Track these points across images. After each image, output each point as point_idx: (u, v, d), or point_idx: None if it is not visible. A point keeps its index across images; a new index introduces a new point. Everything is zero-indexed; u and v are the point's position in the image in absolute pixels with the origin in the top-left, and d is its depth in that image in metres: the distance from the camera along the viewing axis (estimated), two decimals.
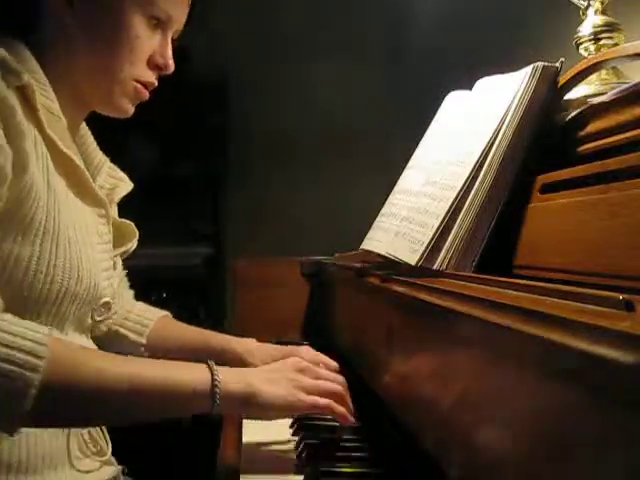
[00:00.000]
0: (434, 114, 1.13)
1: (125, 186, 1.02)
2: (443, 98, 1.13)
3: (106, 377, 0.71)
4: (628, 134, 0.72)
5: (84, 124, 1.01)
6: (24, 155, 0.77)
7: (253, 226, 2.29)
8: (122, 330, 1.08)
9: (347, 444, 0.85)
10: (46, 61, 0.86)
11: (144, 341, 1.08)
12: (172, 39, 0.94)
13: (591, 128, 0.80)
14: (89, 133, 1.03)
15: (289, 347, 1.13)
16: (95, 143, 1.03)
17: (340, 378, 0.90)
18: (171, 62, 0.93)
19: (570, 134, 0.83)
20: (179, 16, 0.93)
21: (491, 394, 0.56)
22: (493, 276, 0.71)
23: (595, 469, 0.40)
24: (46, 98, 0.84)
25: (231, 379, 0.76)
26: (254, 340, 1.10)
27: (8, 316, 0.70)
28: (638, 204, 0.61)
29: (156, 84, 0.93)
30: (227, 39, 2.26)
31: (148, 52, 0.90)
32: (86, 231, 0.87)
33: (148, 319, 1.11)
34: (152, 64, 0.91)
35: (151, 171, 2.33)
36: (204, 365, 0.77)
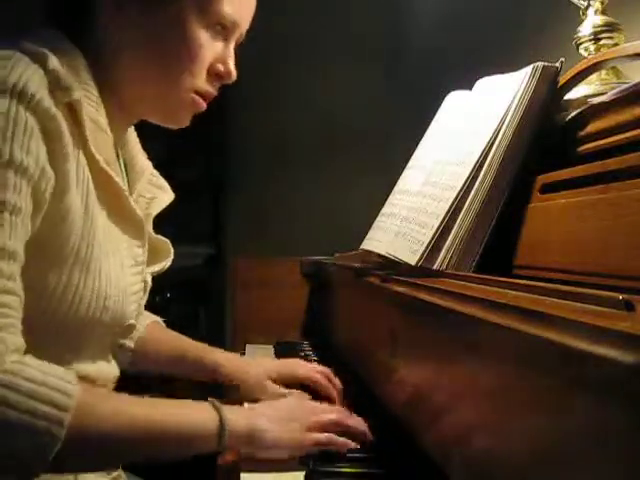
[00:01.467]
0: (434, 114, 1.13)
1: (165, 197, 0.98)
2: (443, 98, 1.13)
3: (124, 427, 0.70)
4: (628, 134, 0.72)
5: (132, 127, 0.96)
6: (66, 179, 0.73)
7: (253, 226, 2.29)
8: None
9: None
10: (97, 70, 0.81)
11: (132, 345, 1.05)
12: (236, 43, 0.89)
13: (591, 128, 0.80)
14: (134, 136, 0.98)
15: (283, 361, 1.13)
16: (139, 146, 0.99)
17: (338, 408, 0.90)
18: (233, 70, 0.87)
19: (570, 134, 0.83)
20: (245, 21, 0.87)
21: (491, 394, 0.56)
22: (493, 276, 0.71)
23: (595, 469, 0.40)
24: (95, 111, 0.79)
25: (237, 419, 0.77)
26: (240, 356, 1.10)
27: (29, 359, 0.67)
28: (638, 204, 0.61)
29: (216, 94, 0.87)
30: None
31: (210, 61, 0.84)
32: (119, 254, 0.83)
33: (140, 324, 1.08)
34: (213, 73, 0.85)
35: None
36: (210, 406, 0.77)
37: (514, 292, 0.59)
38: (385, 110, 2.29)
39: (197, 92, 0.85)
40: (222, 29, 0.84)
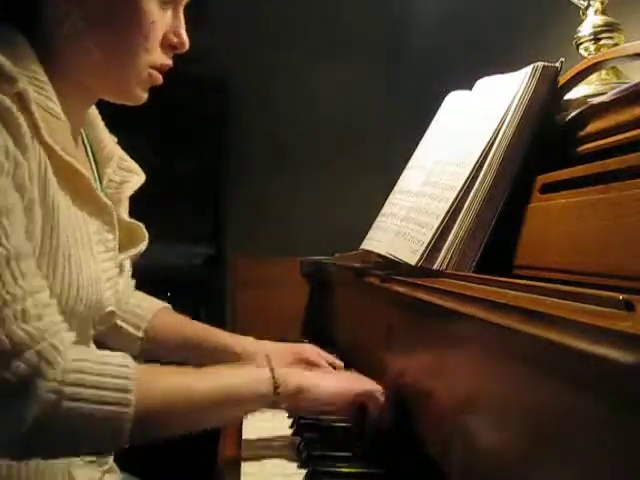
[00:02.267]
0: (434, 114, 1.13)
1: (137, 179, 0.98)
2: (443, 98, 1.13)
3: (191, 396, 0.76)
4: (628, 134, 0.72)
5: (94, 109, 0.95)
6: (30, 167, 0.73)
7: (253, 226, 2.29)
8: (119, 322, 1.05)
9: (347, 444, 0.85)
10: (47, 56, 0.80)
11: (141, 335, 1.06)
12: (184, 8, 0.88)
13: (591, 128, 0.80)
14: (99, 120, 0.97)
15: (294, 344, 1.14)
16: (106, 130, 0.98)
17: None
18: (186, 39, 0.87)
19: (570, 134, 0.83)
20: None
21: (491, 394, 0.56)
22: (493, 276, 0.71)
23: (595, 469, 0.40)
24: (46, 99, 0.78)
25: (288, 378, 0.82)
26: (252, 338, 1.10)
27: (88, 354, 0.73)
28: (638, 204, 0.61)
29: (171, 65, 0.87)
30: (227, 39, 2.26)
31: (162, 34, 0.84)
32: (88, 242, 0.82)
33: (146, 311, 1.09)
34: (166, 44, 0.86)
35: (151, 171, 2.33)
36: (265, 369, 0.83)
37: (514, 292, 0.59)
38: (385, 110, 2.29)
39: (152, 66, 0.85)
40: (169, 2, 0.84)
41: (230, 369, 0.83)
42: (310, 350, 1.11)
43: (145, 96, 0.88)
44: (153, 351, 1.07)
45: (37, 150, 0.75)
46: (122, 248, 0.93)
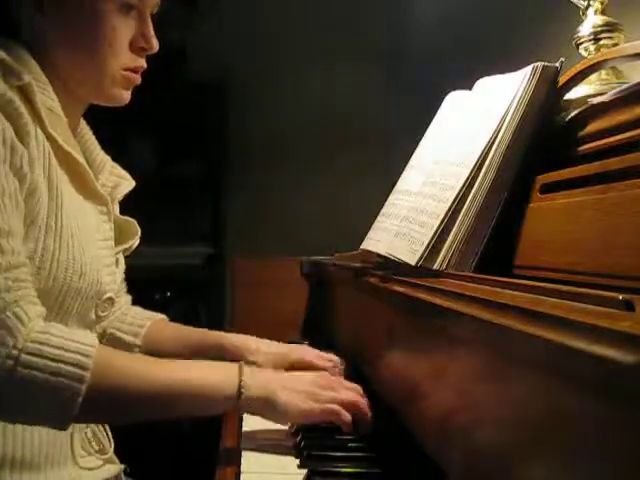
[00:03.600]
0: (434, 114, 1.13)
1: (127, 184, 1.03)
2: (443, 98, 1.13)
3: (146, 382, 0.77)
4: (628, 134, 0.72)
5: (84, 123, 1.01)
6: (30, 154, 0.78)
7: (253, 226, 2.29)
8: (118, 333, 1.07)
9: (347, 444, 0.85)
10: (39, 61, 0.86)
11: (139, 342, 1.07)
12: (152, 15, 0.92)
13: (591, 128, 0.80)
14: (90, 132, 1.03)
15: (291, 345, 1.14)
16: (96, 142, 1.03)
17: (357, 387, 0.91)
18: (154, 41, 0.91)
19: (570, 134, 0.83)
20: None
21: (491, 394, 0.56)
22: (493, 276, 0.71)
23: (595, 469, 0.40)
24: (47, 97, 0.84)
25: (254, 384, 0.81)
26: (250, 336, 1.11)
27: (53, 328, 0.75)
28: (638, 204, 0.61)
29: (145, 66, 0.92)
30: (227, 39, 2.26)
31: (128, 38, 0.89)
32: (88, 228, 0.88)
33: (143, 320, 1.11)
34: (135, 48, 0.90)
35: (151, 171, 2.33)
36: (235, 367, 0.83)
37: (514, 292, 0.59)
38: (385, 110, 2.29)
39: (127, 69, 0.90)
40: (132, 7, 0.88)
41: (201, 366, 0.84)
42: (309, 352, 1.11)
43: (127, 95, 0.93)
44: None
45: (40, 137, 0.81)
46: (116, 243, 0.98)
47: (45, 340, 0.72)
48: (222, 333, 1.12)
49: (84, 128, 1.02)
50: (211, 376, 0.81)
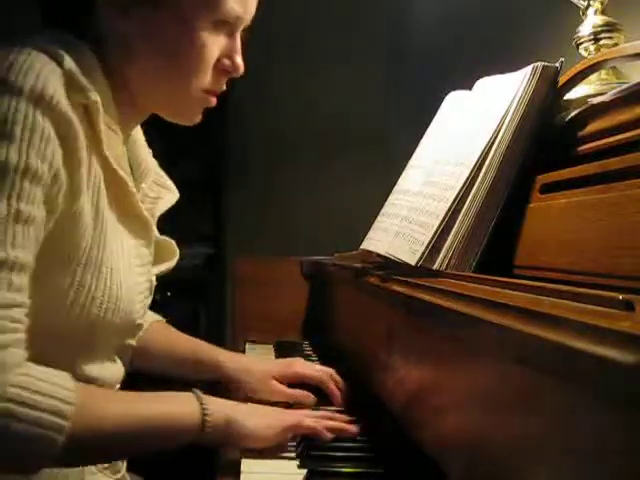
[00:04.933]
0: (434, 114, 1.13)
1: (170, 198, 0.97)
2: (443, 98, 1.13)
3: (113, 428, 0.73)
4: (628, 134, 0.72)
5: (138, 125, 0.96)
6: (79, 183, 0.73)
7: (253, 226, 2.29)
8: None
9: (347, 444, 0.85)
10: (107, 68, 0.80)
11: (133, 343, 1.06)
12: (241, 34, 0.87)
13: (591, 128, 0.80)
14: (141, 134, 0.98)
15: (285, 360, 1.13)
16: (145, 145, 0.99)
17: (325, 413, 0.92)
18: (240, 64, 0.85)
19: (570, 134, 0.83)
20: (249, 13, 0.85)
21: (491, 394, 0.56)
22: (493, 276, 0.70)
23: (595, 469, 0.40)
24: (108, 115, 0.79)
25: (217, 410, 0.80)
26: (244, 355, 1.10)
27: (33, 370, 0.69)
28: (638, 204, 0.61)
29: (224, 89, 0.86)
30: None
31: (215, 57, 0.82)
32: (127, 255, 0.83)
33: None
34: (220, 68, 0.84)
35: None
36: (192, 398, 0.80)
37: (514, 292, 0.59)
38: (385, 110, 2.29)
39: (205, 90, 0.84)
40: (226, 24, 0.82)
41: (162, 400, 0.80)
42: (301, 364, 1.11)
43: (199, 117, 0.88)
44: (142, 362, 1.06)
45: (94, 163, 0.75)
46: (153, 263, 0.93)
47: (26, 384, 0.67)
48: (216, 350, 1.10)
49: (137, 131, 0.97)
50: (175, 409, 0.79)
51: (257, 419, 0.83)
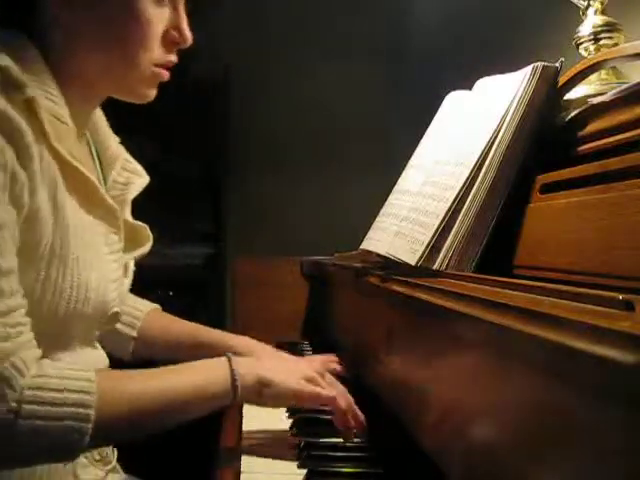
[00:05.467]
0: (434, 114, 1.13)
1: (140, 182, 0.98)
2: (443, 98, 1.13)
3: (145, 402, 0.76)
4: (628, 134, 0.72)
5: (99, 113, 0.95)
6: (33, 178, 0.73)
7: (253, 226, 2.29)
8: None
9: (347, 444, 0.85)
10: (53, 60, 0.81)
11: (135, 334, 1.06)
12: (185, 6, 0.88)
13: (591, 128, 0.80)
14: (104, 121, 0.98)
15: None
16: (110, 132, 0.98)
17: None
18: (188, 34, 0.86)
19: (570, 134, 0.83)
20: None
21: (491, 394, 0.56)
22: (493, 276, 0.70)
23: (595, 469, 0.40)
24: (53, 104, 0.79)
25: (246, 373, 0.81)
26: (248, 338, 1.10)
27: (47, 369, 0.71)
28: (638, 204, 0.61)
29: (176, 61, 0.87)
30: (227, 39, 2.25)
31: (161, 31, 0.84)
32: (95, 244, 0.84)
33: (139, 311, 1.08)
34: (168, 41, 0.85)
35: (151, 171, 2.33)
36: (225, 361, 0.82)
37: (514, 292, 0.59)
38: (385, 110, 2.29)
39: (156, 64, 0.85)
40: None
41: (192, 368, 0.83)
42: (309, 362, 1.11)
43: (153, 93, 0.88)
44: (143, 350, 1.07)
45: (45, 155, 0.76)
46: (126, 249, 0.93)
47: (43, 384, 0.70)
48: (218, 332, 1.09)
49: (99, 118, 0.96)
50: (206, 375, 0.81)
51: (284, 375, 0.84)
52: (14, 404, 0.67)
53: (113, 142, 0.97)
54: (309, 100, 2.30)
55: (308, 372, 0.87)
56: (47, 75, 0.80)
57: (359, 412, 0.88)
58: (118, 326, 1.04)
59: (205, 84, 2.30)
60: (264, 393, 0.82)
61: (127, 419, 0.75)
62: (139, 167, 0.99)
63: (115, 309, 0.89)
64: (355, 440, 0.86)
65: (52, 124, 0.77)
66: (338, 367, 1.07)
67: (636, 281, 0.56)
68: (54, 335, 0.80)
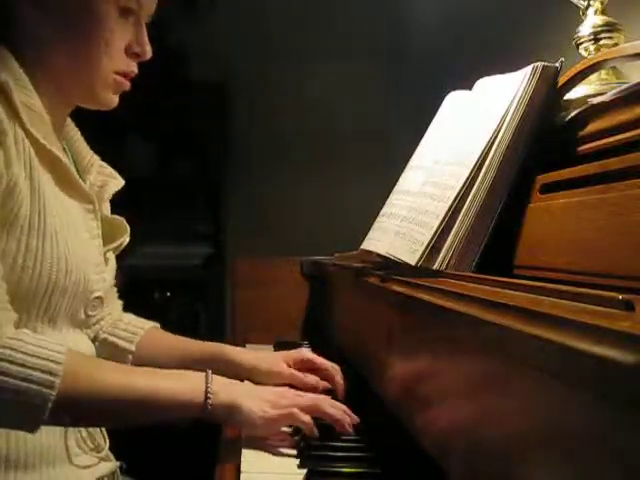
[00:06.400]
0: (434, 114, 1.13)
1: (116, 183, 1.03)
2: (443, 98, 1.13)
3: (114, 391, 0.79)
4: (628, 134, 0.72)
5: (72, 124, 1.01)
6: (7, 153, 0.78)
7: (253, 226, 2.29)
8: (111, 338, 1.06)
9: (347, 444, 0.85)
10: (26, 60, 0.86)
11: (133, 348, 1.06)
12: (146, 24, 0.94)
13: (591, 128, 0.80)
14: (77, 131, 1.03)
15: (289, 351, 1.13)
16: (84, 142, 1.04)
17: (326, 398, 0.91)
18: (148, 48, 0.93)
19: (570, 134, 0.83)
20: (149, 2, 0.93)
21: (491, 394, 0.56)
22: (493, 276, 0.70)
23: (595, 469, 0.40)
24: (26, 96, 0.84)
25: (220, 392, 0.82)
26: (246, 350, 1.10)
27: (25, 335, 0.76)
28: (638, 204, 0.61)
29: (136, 72, 0.93)
30: (227, 40, 2.25)
31: (124, 42, 0.90)
32: (74, 226, 0.88)
33: (138, 327, 1.09)
34: (130, 53, 0.92)
35: (152, 171, 2.33)
36: (202, 375, 0.84)
37: (514, 292, 0.59)
38: (385, 110, 2.29)
39: (118, 73, 0.91)
40: (131, 13, 0.90)
41: (169, 374, 0.85)
42: (308, 352, 1.12)
43: (115, 100, 0.94)
44: (141, 366, 1.06)
45: (20, 135, 0.81)
46: (105, 242, 0.98)
47: (17, 347, 0.74)
48: (217, 345, 1.10)
49: (72, 128, 1.02)
50: (179, 384, 0.82)
51: (256, 403, 0.84)
52: None
53: (88, 151, 1.03)
54: (309, 100, 2.30)
55: (278, 400, 0.86)
56: (18, 70, 0.85)
57: (346, 409, 0.88)
58: (116, 340, 1.06)
59: (204, 85, 2.30)
60: (234, 417, 0.83)
61: (90, 402, 0.78)
62: (113, 171, 1.05)
63: (98, 293, 0.93)
64: (353, 438, 0.86)
65: (25, 111, 0.82)
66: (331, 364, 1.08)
67: (636, 281, 0.56)
68: (41, 308, 0.84)
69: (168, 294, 2.31)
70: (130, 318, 1.12)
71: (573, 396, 0.41)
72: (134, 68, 0.93)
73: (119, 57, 0.90)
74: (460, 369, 0.63)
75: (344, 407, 0.89)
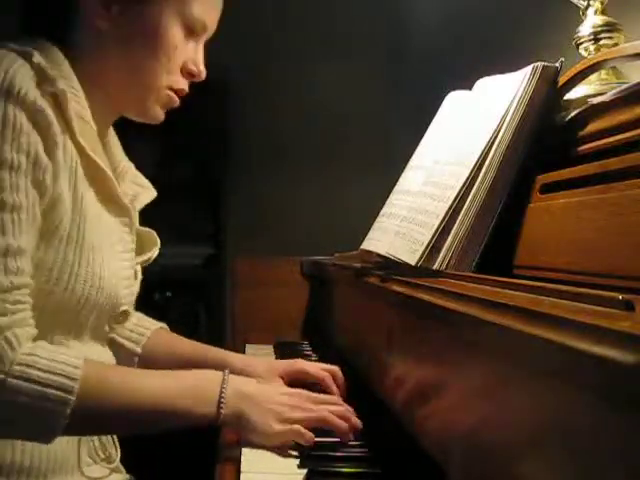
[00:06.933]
0: (434, 114, 1.13)
1: (148, 194, 1.03)
2: (443, 98, 1.13)
3: (129, 401, 0.78)
4: (628, 134, 0.72)
5: (111, 129, 1.01)
6: (57, 165, 0.78)
7: (253, 226, 2.29)
8: (119, 339, 1.05)
9: (347, 444, 0.85)
10: (79, 66, 0.86)
11: (139, 350, 1.06)
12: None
13: (591, 128, 0.80)
14: (116, 138, 1.03)
15: (293, 361, 1.11)
16: (120, 148, 1.03)
17: (333, 398, 0.92)
18: (203, 69, 0.95)
19: (570, 134, 0.83)
20: (212, 24, 0.95)
21: (490, 394, 0.56)
22: (493, 276, 0.70)
23: (595, 469, 0.40)
24: (78, 105, 0.84)
25: (233, 399, 0.82)
26: (250, 357, 1.10)
27: (40, 349, 0.75)
28: (638, 204, 0.61)
29: (187, 91, 0.95)
30: (227, 40, 2.25)
31: (182, 60, 0.92)
32: (110, 239, 0.88)
33: (145, 329, 1.09)
34: (185, 72, 0.93)
35: (151, 171, 2.33)
36: (218, 382, 0.82)
37: (514, 292, 0.59)
38: (385, 110, 2.29)
39: (171, 88, 0.92)
40: (193, 32, 0.91)
41: (183, 388, 0.82)
42: (304, 361, 1.10)
43: (162, 115, 0.95)
44: (147, 368, 1.05)
45: (69, 146, 0.81)
46: (136, 254, 0.97)
47: (32, 362, 0.73)
48: (221, 351, 1.10)
49: (112, 136, 1.01)
50: (195, 402, 0.81)
51: (262, 417, 0.82)
52: (1, 375, 0.71)
53: (123, 158, 1.03)
54: (309, 100, 2.30)
55: (289, 410, 0.84)
56: (73, 77, 0.85)
57: (351, 416, 0.87)
58: (123, 341, 1.06)
59: (205, 85, 2.30)
60: (241, 426, 0.82)
61: (105, 415, 0.78)
62: (147, 182, 1.05)
63: (125, 307, 0.92)
64: (353, 442, 0.86)
65: (77, 121, 0.82)
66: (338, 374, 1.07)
67: (636, 281, 0.56)
68: (68, 322, 0.83)
69: (168, 294, 2.31)
70: (138, 317, 1.11)
71: (573, 396, 0.41)
72: (186, 86, 0.94)
73: (176, 74, 0.91)
74: (460, 369, 0.63)
75: (351, 411, 0.88)
